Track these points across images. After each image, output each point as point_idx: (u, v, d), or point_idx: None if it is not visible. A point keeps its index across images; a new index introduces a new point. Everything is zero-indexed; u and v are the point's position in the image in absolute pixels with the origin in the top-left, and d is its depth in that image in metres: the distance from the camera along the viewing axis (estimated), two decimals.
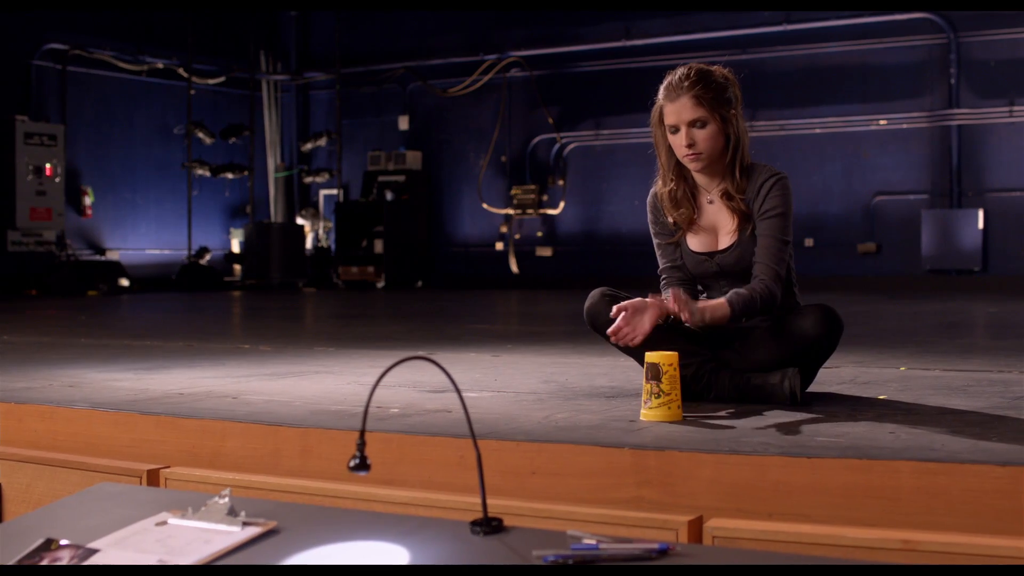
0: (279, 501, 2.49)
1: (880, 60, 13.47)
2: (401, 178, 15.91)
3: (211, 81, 16.27)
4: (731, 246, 3.46)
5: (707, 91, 3.35)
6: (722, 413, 3.20)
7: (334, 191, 16.81)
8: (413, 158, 16.06)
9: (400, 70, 16.34)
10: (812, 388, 3.71)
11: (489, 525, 2.10)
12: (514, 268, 15.63)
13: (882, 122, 13.43)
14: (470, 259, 16.06)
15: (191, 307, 11.01)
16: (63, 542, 2.19)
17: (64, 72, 14.60)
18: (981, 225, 12.86)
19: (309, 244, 16.68)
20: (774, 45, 13.97)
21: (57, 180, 14.05)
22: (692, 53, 14.36)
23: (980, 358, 4.80)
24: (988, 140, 12.98)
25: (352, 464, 2.07)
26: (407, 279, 15.71)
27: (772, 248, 3.41)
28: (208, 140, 15.85)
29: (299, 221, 16.91)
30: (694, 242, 3.51)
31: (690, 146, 3.35)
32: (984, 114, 12.93)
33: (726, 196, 3.46)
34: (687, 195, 3.49)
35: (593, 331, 3.55)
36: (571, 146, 15.43)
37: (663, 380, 3.13)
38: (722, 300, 3.31)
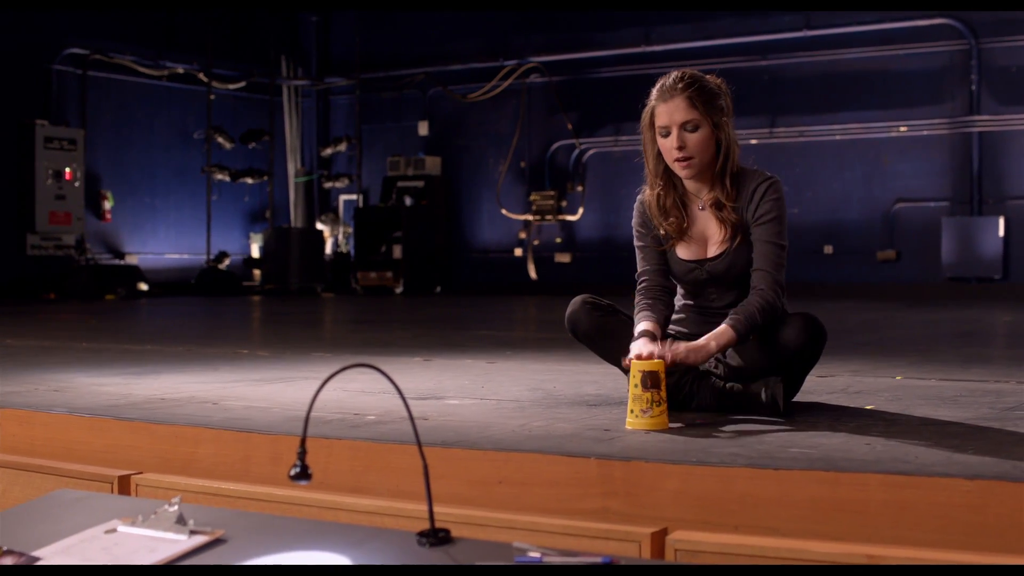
0: (230, 509, 2.46)
1: (900, 66, 13.36)
2: (420, 183, 15.90)
3: (232, 86, 16.32)
4: (721, 254, 3.40)
5: (701, 94, 3.30)
6: (701, 423, 3.15)
7: (354, 196, 16.82)
8: (432, 163, 16.05)
9: (420, 75, 16.34)
10: (801, 397, 3.65)
11: (435, 536, 2.06)
12: (532, 274, 15.59)
13: (902, 128, 13.31)
14: (489, 265, 16.03)
15: (205, 312, 11.03)
16: (5, 548, 2.16)
17: (84, 77, 14.67)
18: (1002, 233, 12.73)
19: (329, 249, 16.69)
20: (794, 51, 13.88)
21: (76, 184, 14.12)
22: (712, 59, 14.30)
23: (981, 368, 4.72)
24: (1009, 147, 12.84)
25: (292, 473, 2.03)
26: (426, 285, 15.69)
27: (770, 254, 3.35)
28: (228, 145, 15.89)
29: (319, 226, 16.93)
30: (683, 250, 3.45)
31: (680, 148, 3.29)
32: (1005, 120, 12.80)
33: (716, 206, 3.40)
34: (676, 204, 3.43)
35: (575, 338, 3.51)
36: (590, 152, 15.38)
37: (662, 388, 3.08)
38: (725, 327, 3.25)
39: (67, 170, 14.02)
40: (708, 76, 3.42)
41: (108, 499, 2.55)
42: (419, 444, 2.08)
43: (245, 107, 16.66)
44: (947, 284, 12.96)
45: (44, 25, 14.11)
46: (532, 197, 15.56)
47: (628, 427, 3.06)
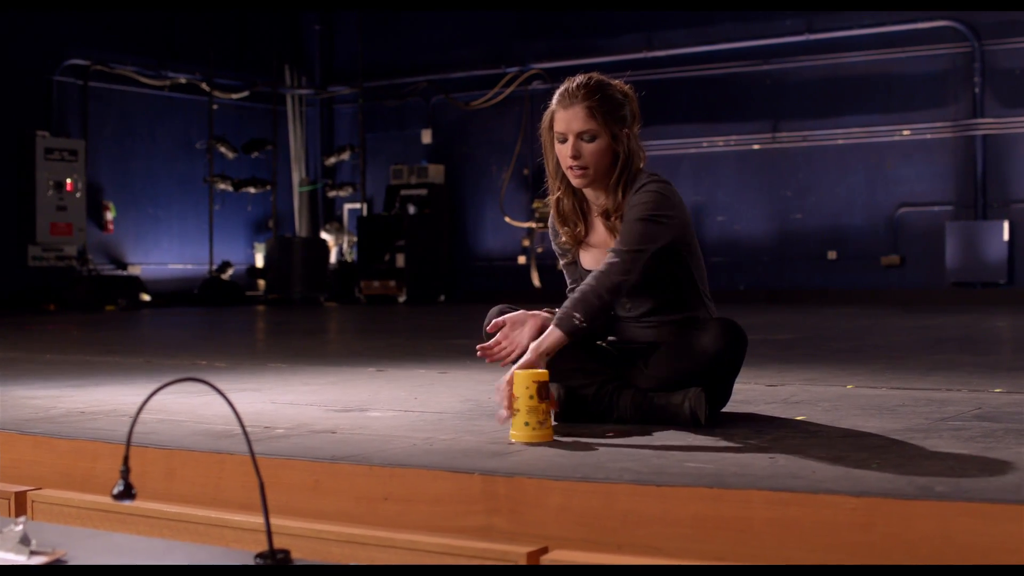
0: (80, 528, 2.38)
1: (903, 69, 13.19)
2: (424, 192, 15.82)
3: (234, 96, 16.29)
4: None
5: (602, 104, 3.21)
6: (611, 436, 3.05)
7: (358, 205, 16.77)
8: (436, 172, 15.97)
9: (423, 83, 16.28)
10: (736, 407, 3.55)
11: (273, 557, 1.98)
12: (536, 282, 15.49)
13: (905, 132, 13.15)
14: (493, 273, 15.93)
15: (200, 322, 10.98)
16: None
17: (86, 87, 14.68)
18: (1007, 237, 12.54)
19: (333, 258, 16.63)
20: (796, 55, 13.74)
21: (78, 195, 14.12)
22: (714, 64, 14.19)
23: (943, 375, 4.60)
24: (1013, 150, 12.65)
25: (115, 492, 1.94)
26: (429, 294, 15.61)
27: (624, 231, 3.20)
28: (230, 155, 15.87)
29: (323, 235, 16.88)
30: (587, 260, 3.39)
31: (575, 157, 3.21)
32: (1009, 124, 12.62)
33: (604, 215, 3.32)
34: (576, 209, 3.37)
35: None
36: None
37: (550, 399, 3.00)
38: (550, 327, 3.15)
39: (68, 181, 14.01)
40: (616, 83, 3.32)
41: None
42: (253, 460, 2.00)
43: (248, 117, 16.63)
44: (952, 289, 12.78)
45: (45, 36, 14.12)
46: (535, 204, 15.45)
47: (523, 440, 2.95)
